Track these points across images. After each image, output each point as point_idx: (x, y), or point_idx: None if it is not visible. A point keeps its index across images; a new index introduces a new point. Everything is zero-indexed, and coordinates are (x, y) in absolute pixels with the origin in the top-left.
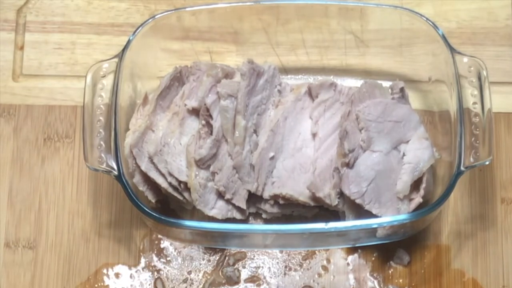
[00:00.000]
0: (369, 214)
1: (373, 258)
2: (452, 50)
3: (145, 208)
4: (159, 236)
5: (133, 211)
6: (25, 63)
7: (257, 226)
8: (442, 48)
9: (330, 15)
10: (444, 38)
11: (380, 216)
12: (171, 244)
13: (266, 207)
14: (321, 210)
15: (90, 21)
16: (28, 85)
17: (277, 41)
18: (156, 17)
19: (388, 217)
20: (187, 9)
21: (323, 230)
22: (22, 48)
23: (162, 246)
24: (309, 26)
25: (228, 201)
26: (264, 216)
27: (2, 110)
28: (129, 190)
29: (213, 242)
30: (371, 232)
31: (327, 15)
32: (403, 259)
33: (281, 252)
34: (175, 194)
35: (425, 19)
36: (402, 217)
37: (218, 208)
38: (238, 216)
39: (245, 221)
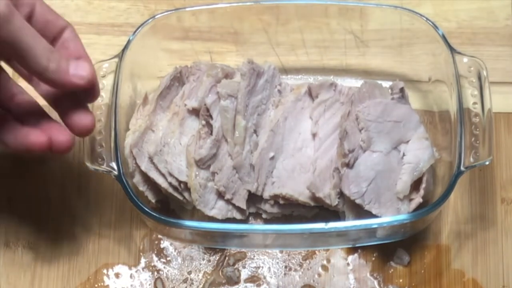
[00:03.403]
0: (369, 214)
1: (373, 258)
2: (452, 50)
3: (145, 208)
4: (159, 236)
5: (133, 211)
6: None
7: (257, 226)
8: (442, 48)
9: (330, 15)
10: (444, 38)
11: (380, 216)
12: (171, 244)
13: (266, 207)
14: (321, 210)
15: (90, 21)
16: (28, 85)
17: (277, 41)
18: (156, 17)
19: (388, 217)
20: (187, 9)
21: (323, 230)
22: None
23: (162, 246)
24: (309, 26)
25: (228, 201)
26: (264, 216)
27: None
28: (129, 190)
29: (213, 242)
30: (371, 232)
31: (327, 15)
32: (403, 259)
33: (281, 252)
34: (175, 194)
35: (425, 19)
36: (402, 217)
37: (218, 208)
38: (238, 216)
39: (245, 221)
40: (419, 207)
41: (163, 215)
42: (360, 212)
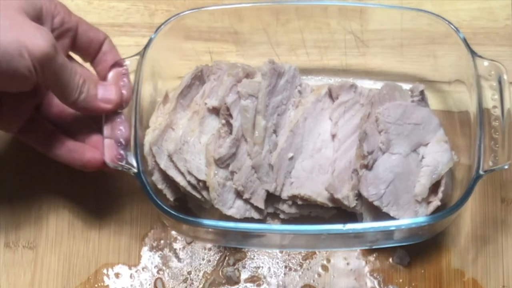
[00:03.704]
0: (387, 217)
1: (373, 258)
2: (473, 53)
3: (164, 206)
4: (160, 236)
5: (133, 211)
6: None
7: (275, 226)
8: (462, 51)
9: (330, 15)
10: (465, 42)
11: (398, 219)
12: (171, 244)
13: (284, 207)
14: (338, 212)
15: (90, 21)
16: None
17: (277, 41)
18: (172, 18)
19: (406, 219)
20: (206, 8)
21: (341, 232)
22: None
23: (162, 246)
24: (309, 26)
25: (246, 201)
26: (281, 216)
27: None
28: (148, 188)
29: (230, 241)
30: (389, 234)
31: (327, 15)
32: (403, 259)
33: (281, 252)
34: (194, 192)
35: (447, 22)
36: (420, 219)
37: (236, 208)
38: (256, 216)
39: (262, 221)
40: (437, 210)
41: (181, 213)
42: (378, 214)
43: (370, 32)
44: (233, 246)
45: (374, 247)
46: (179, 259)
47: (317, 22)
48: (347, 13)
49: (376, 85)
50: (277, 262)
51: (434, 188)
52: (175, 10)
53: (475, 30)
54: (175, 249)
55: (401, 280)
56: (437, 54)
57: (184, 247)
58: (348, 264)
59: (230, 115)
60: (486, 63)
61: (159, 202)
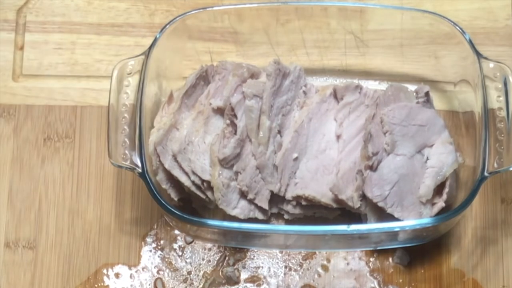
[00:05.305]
0: (391, 218)
1: (373, 258)
2: (478, 55)
3: (168, 206)
4: (160, 236)
5: (133, 211)
6: (25, 63)
7: (279, 226)
8: (466, 51)
9: (331, 15)
10: (471, 43)
11: (402, 220)
12: (171, 244)
13: (288, 208)
14: (343, 212)
15: (90, 21)
16: (28, 85)
17: (277, 41)
18: (177, 18)
19: (410, 220)
20: (211, 8)
21: (345, 232)
22: (22, 48)
23: (162, 246)
24: (309, 26)
25: (251, 201)
26: (286, 217)
27: (2, 110)
28: (153, 188)
29: (233, 242)
30: (393, 235)
31: (327, 15)
32: (403, 259)
33: (281, 252)
34: (198, 192)
35: (452, 23)
36: (424, 221)
37: (240, 208)
38: (260, 216)
39: (266, 221)
40: (442, 211)
41: (185, 213)
42: (382, 215)
43: (370, 32)
44: (237, 246)
45: (378, 248)
46: (179, 259)
47: (317, 22)
48: (347, 13)
49: (379, 85)
50: (277, 262)
51: (438, 189)
52: (175, 10)
53: (475, 30)
54: (175, 249)
55: (401, 280)
56: (438, 54)
57: (184, 247)
58: (348, 264)
59: (235, 115)
60: (491, 64)
61: (164, 202)
